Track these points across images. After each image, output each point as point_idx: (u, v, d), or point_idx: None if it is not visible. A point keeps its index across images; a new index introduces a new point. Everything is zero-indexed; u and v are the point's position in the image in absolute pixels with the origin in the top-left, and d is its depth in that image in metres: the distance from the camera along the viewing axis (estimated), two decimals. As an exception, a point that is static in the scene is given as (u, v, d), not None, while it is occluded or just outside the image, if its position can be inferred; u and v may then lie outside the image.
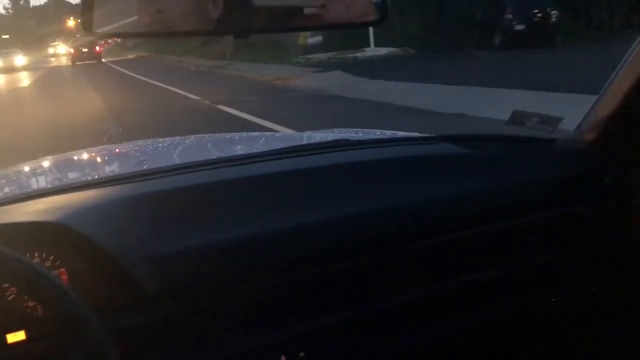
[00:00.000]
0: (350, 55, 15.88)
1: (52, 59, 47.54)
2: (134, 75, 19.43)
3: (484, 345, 1.18)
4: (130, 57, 37.03)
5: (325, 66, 14.28)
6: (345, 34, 16.22)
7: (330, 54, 16.06)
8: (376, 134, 1.78)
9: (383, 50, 16.22)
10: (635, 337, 1.25)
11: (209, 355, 0.95)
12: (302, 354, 1.00)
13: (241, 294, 0.97)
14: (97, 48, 33.44)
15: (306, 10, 0.90)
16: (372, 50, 16.43)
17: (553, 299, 1.21)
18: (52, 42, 67.37)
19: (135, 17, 0.86)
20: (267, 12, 0.89)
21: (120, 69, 23.78)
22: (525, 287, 1.19)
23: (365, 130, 1.88)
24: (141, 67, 22.35)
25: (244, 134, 2.18)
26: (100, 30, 0.86)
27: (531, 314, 1.21)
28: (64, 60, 37.38)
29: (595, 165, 1.24)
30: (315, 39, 16.61)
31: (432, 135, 1.40)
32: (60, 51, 52.81)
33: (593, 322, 1.25)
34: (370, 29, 15.55)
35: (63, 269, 0.87)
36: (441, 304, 1.11)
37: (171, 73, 18.77)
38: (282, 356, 0.99)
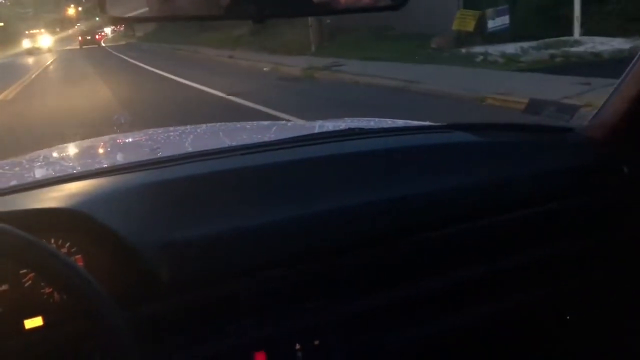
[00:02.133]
0: (560, 49, 9.27)
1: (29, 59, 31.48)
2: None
3: (504, 331, 1.18)
4: (122, 43, 41.46)
5: (552, 69, 7.72)
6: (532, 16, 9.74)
7: (525, 45, 9.42)
8: (388, 123, 1.74)
9: (598, 40, 9.61)
10: None
11: (223, 343, 0.94)
12: (316, 342, 0.99)
13: (255, 282, 0.96)
14: (97, 37, 43.68)
15: None
16: (589, 41, 9.74)
17: (573, 289, 1.20)
18: (29, 31, 46.62)
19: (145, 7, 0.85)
20: None
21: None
22: (543, 276, 1.17)
23: (377, 119, 1.83)
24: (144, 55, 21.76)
25: (255, 123, 2.03)
26: (112, 14, 0.85)
27: (549, 303, 1.20)
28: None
29: (613, 154, 1.21)
30: (499, 20, 9.86)
31: (446, 123, 1.35)
32: (44, 43, 38.47)
33: (610, 311, 1.24)
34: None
35: (79, 256, 0.87)
36: (457, 293, 1.10)
37: (245, 79, 12.10)
38: (297, 344, 0.98)
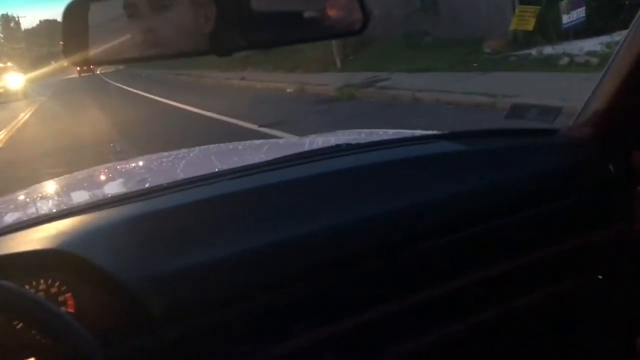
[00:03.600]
0: None
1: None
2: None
3: (500, 339, 1.18)
4: (116, 70, 40.46)
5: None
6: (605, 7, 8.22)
7: (606, 39, 7.80)
8: (379, 134, 1.76)
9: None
10: None
11: None
12: None
13: (248, 307, 0.95)
14: (91, 66, 44.38)
15: (306, 16, 0.88)
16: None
17: (567, 288, 1.21)
18: None
19: (126, 39, 0.84)
20: (263, 24, 0.87)
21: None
22: (536, 280, 1.17)
23: (368, 130, 1.84)
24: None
25: (247, 142, 2.00)
26: (77, 58, 0.83)
27: (543, 306, 1.20)
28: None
29: (598, 154, 1.22)
30: (575, 14, 8.21)
31: (434, 133, 1.39)
32: (12, 84, 23.87)
33: (601, 311, 1.26)
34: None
35: (69, 294, 0.88)
36: (456, 302, 1.10)
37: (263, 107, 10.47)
38: None
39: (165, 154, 1.84)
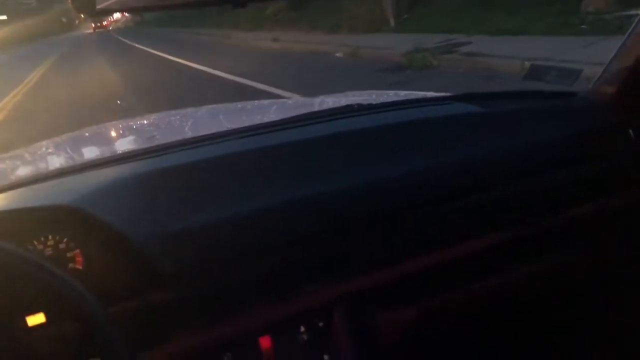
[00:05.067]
0: None
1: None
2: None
3: (510, 303, 1.17)
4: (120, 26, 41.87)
5: None
6: None
7: None
8: (390, 95, 1.71)
9: None
10: None
11: (227, 330, 0.93)
12: (321, 324, 0.99)
13: (257, 267, 0.95)
14: (105, 23, 52.67)
15: None
16: None
17: (586, 255, 1.19)
18: None
19: None
20: None
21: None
22: (553, 245, 1.16)
23: (379, 92, 1.79)
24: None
25: (255, 102, 1.94)
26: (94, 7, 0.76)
27: (558, 272, 1.18)
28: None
29: (617, 118, 1.18)
30: None
31: (448, 94, 1.34)
32: None
33: (615, 278, 1.23)
34: None
35: (77, 251, 0.88)
36: (470, 264, 1.08)
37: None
38: (301, 326, 0.97)
39: (174, 112, 1.81)
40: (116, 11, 0.93)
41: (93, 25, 51.81)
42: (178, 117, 1.75)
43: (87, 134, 1.73)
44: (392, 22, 10.78)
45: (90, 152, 1.49)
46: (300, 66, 9.28)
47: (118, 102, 7.65)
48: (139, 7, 0.93)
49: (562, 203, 1.15)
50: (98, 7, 0.75)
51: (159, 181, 0.98)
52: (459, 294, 1.08)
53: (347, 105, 1.30)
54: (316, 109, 1.43)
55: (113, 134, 1.71)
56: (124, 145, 1.53)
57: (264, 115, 1.63)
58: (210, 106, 1.83)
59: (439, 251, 1.05)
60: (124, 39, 24.79)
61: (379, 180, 1.03)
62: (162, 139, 1.35)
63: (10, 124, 8.25)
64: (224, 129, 1.27)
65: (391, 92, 1.76)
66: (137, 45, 19.44)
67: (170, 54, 13.59)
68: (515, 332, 1.20)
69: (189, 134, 1.42)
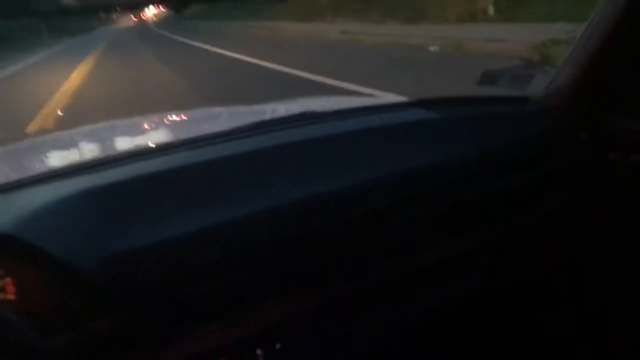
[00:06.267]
0: None
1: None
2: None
3: (475, 313, 1.15)
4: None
5: None
6: None
7: None
8: (344, 102, 1.71)
9: None
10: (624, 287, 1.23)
11: (180, 353, 0.89)
12: (277, 346, 0.95)
13: (206, 287, 0.90)
14: (143, 17, 51.85)
15: None
16: None
17: (541, 258, 1.20)
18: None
19: None
20: None
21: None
22: (513, 249, 1.17)
23: (333, 98, 1.82)
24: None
25: (205, 109, 1.98)
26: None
27: (522, 276, 1.19)
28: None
29: (569, 122, 1.21)
30: None
31: (403, 101, 1.34)
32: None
33: (578, 279, 1.25)
34: None
35: (8, 279, 0.80)
36: (425, 276, 1.07)
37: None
38: (258, 350, 0.94)
39: (119, 121, 1.80)
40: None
41: (134, 18, 51.94)
42: (124, 126, 1.68)
43: (25, 146, 1.61)
44: (490, 9, 9.34)
45: (25, 167, 1.34)
46: (391, 63, 7.95)
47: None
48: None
49: (517, 208, 1.15)
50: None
51: (99, 198, 0.91)
52: (420, 305, 1.08)
53: (301, 113, 1.26)
54: (268, 117, 1.40)
55: (51, 146, 1.58)
56: (58, 159, 1.36)
57: (214, 124, 1.54)
58: (158, 114, 1.73)
59: (396, 262, 1.03)
60: (172, 35, 23.38)
61: (334, 190, 0.99)
62: (105, 150, 1.32)
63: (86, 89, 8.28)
64: (172, 139, 1.22)
65: (344, 98, 1.85)
66: (191, 43, 17.73)
67: (232, 51, 12.18)
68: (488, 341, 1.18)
69: (134, 143, 1.38)
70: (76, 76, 10.65)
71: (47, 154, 1.51)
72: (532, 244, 1.18)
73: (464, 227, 1.10)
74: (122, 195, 0.91)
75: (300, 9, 17.28)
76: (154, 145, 1.09)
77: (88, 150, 1.41)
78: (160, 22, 43.43)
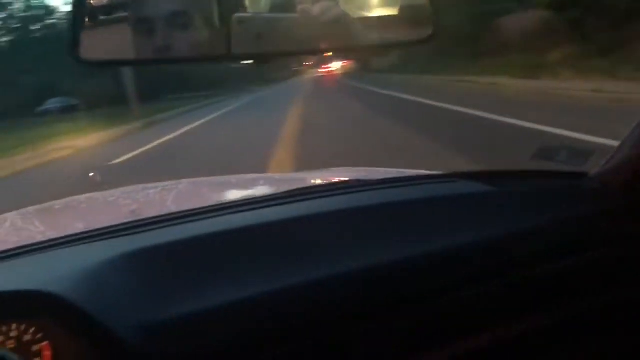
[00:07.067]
0: None
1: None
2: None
3: None
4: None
5: None
6: None
7: None
8: (380, 172, 1.68)
9: None
10: None
11: None
12: None
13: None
14: (329, 69, 54.59)
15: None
16: None
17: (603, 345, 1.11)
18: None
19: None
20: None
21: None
22: (571, 333, 1.08)
23: (370, 169, 1.78)
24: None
25: (240, 176, 1.95)
26: (86, 57, 0.84)
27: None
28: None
29: (627, 203, 1.12)
30: None
31: (449, 172, 1.30)
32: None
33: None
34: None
35: (45, 343, 0.77)
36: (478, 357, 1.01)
37: None
38: None
39: (152, 185, 1.79)
40: (108, 62, 0.95)
41: (320, 72, 57.95)
42: (158, 190, 1.68)
43: (58, 207, 1.64)
44: None
45: (63, 227, 1.36)
46: None
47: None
48: (130, 60, 0.92)
49: (571, 291, 1.07)
50: (85, 58, 0.80)
51: (141, 262, 0.87)
52: None
53: (344, 181, 1.27)
54: (308, 185, 1.37)
55: (89, 207, 1.60)
56: (101, 220, 1.32)
57: (251, 190, 1.57)
58: (190, 180, 1.76)
59: (443, 346, 0.96)
60: (370, 87, 23.44)
61: (377, 265, 0.93)
62: (142, 213, 1.31)
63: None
64: (209, 203, 1.19)
65: (381, 170, 1.73)
66: (403, 96, 17.07)
67: (459, 106, 11.64)
68: None
69: (171, 208, 1.37)
70: (297, 100, 13.14)
71: (84, 214, 1.48)
72: (587, 329, 1.07)
73: (514, 312, 1.00)
74: (165, 260, 0.88)
75: (514, 66, 16.35)
76: (192, 209, 1.07)
77: (126, 213, 1.38)
78: (350, 74, 44.53)
